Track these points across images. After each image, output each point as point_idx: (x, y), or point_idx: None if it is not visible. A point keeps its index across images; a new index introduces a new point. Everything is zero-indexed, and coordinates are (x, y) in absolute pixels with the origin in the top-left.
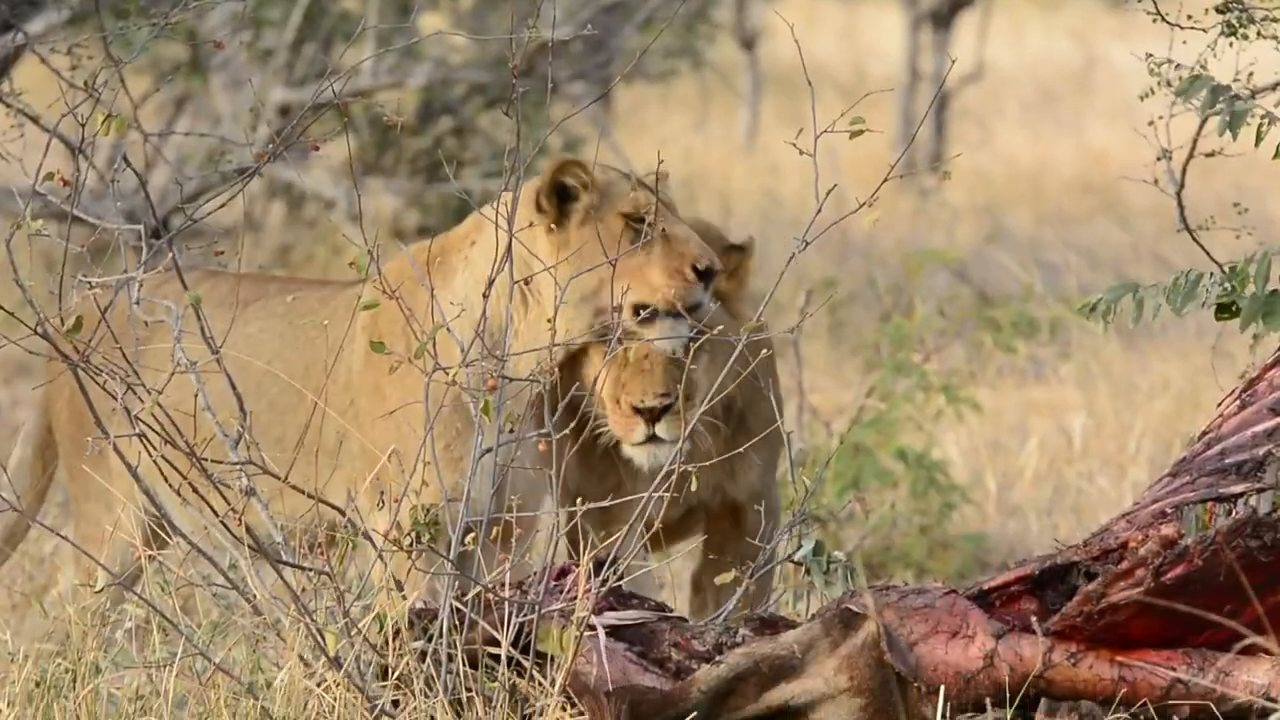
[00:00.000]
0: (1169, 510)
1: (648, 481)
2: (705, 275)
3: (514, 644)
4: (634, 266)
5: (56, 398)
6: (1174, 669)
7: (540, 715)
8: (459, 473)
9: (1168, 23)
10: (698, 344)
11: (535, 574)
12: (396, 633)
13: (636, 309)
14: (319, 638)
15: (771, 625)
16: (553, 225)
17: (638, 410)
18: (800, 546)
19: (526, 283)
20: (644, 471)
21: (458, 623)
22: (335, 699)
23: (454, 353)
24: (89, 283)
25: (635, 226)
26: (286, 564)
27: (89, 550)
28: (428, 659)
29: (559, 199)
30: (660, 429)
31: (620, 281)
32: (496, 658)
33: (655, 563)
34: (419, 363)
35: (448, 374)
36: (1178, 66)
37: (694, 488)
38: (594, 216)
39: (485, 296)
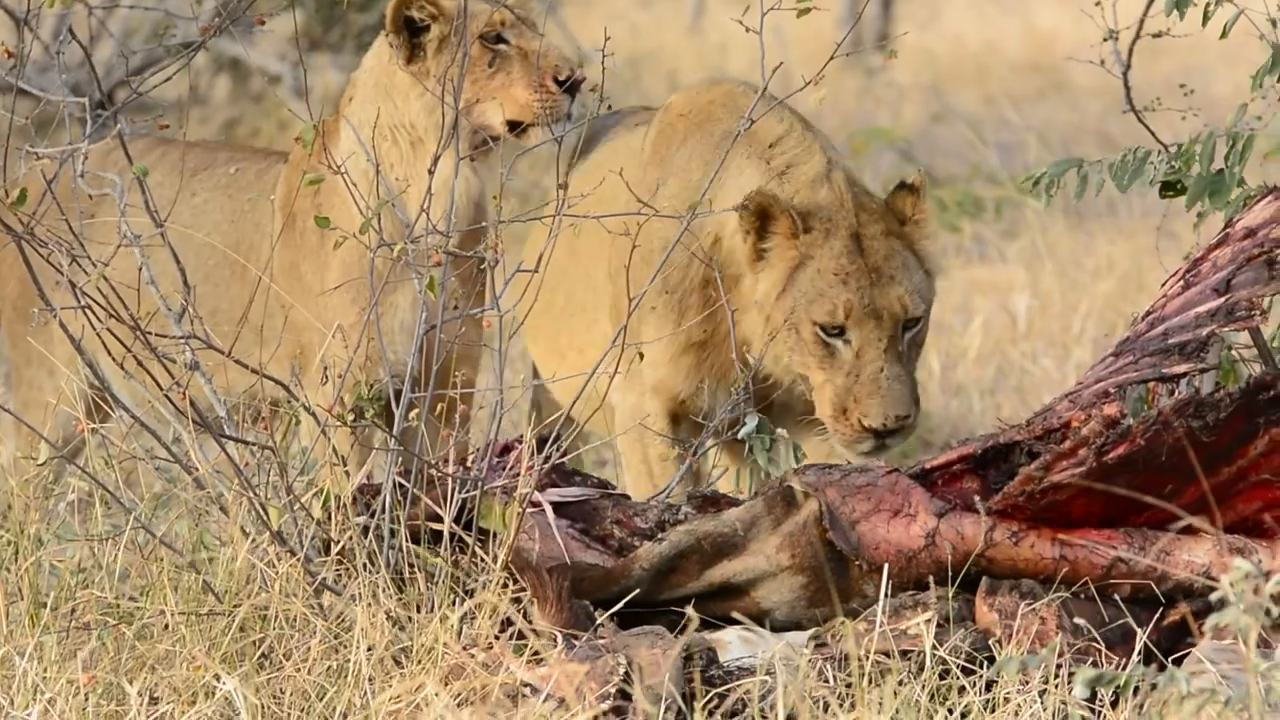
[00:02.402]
0: (1112, 390)
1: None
2: (568, 86)
3: (456, 520)
4: (498, 86)
5: (0, 263)
6: (1115, 548)
7: (481, 591)
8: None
9: None
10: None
11: (478, 450)
12: (340, 507)
13: (509, 125)
14: (262, 512)
15: (714, 503)
16: (408, 59)
17: (871, 430)
18: (744, 424)
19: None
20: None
21: (400, 498)
22: (277, 573)
23: (353, 213)
24: (35, 154)
25: (492, 48)
26: (229, 438)
27: (30, 420)
28: (370, 534)
29: (410, 33)
30: (891, 440)
31: (488, 103)
32: (439, 534)
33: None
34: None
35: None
36: None
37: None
38: (450, 44)
39: (431, 172)
